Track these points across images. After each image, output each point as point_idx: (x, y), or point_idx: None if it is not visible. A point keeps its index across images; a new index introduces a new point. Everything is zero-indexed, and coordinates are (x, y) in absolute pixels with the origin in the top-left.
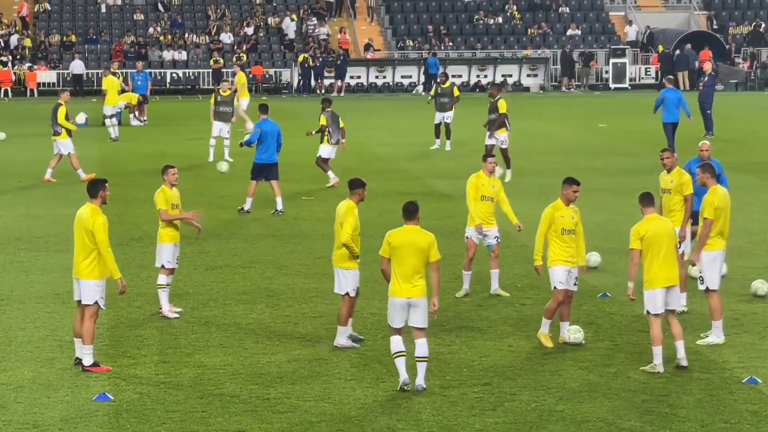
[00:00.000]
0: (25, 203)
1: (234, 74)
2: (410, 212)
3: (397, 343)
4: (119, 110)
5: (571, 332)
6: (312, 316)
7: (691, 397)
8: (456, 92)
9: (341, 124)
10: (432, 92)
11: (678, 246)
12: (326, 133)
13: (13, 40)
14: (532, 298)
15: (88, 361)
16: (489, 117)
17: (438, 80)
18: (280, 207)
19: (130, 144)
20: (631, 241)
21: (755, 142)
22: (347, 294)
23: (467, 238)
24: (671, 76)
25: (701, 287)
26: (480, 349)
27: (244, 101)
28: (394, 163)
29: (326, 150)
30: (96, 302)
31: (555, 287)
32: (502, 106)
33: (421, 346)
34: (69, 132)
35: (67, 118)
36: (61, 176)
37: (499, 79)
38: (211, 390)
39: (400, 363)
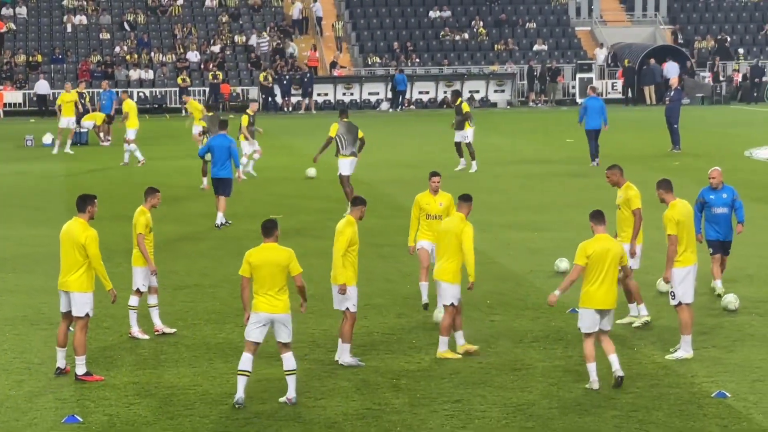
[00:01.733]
0: None
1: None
2: (268, 230)
3: (245, 361)
4: (86, 131)
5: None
6: None
7: (660, 412)
8: (465, 108)
9: (360, 135)
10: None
11: (629, 265)
12: (338, 145)
13: None
14: (502, 315)
15: (81, 370)
16: (456, 118)
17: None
18: (219, 221)
19: (96, 164)
20: (576, 255)
21: (721, 157)
22: (347, 309)
23: (418, 250)
24: (594, 86)
25: (672, 302)
26: (450, 366)
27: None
28: (361, 180)
29: (344, 165)
30: (87, 314)
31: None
32: (465, 107)
33: (288, 360)
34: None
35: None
36: (29, 197)
37: (466, 95)
38: (180, 411)
39: (240, 381)
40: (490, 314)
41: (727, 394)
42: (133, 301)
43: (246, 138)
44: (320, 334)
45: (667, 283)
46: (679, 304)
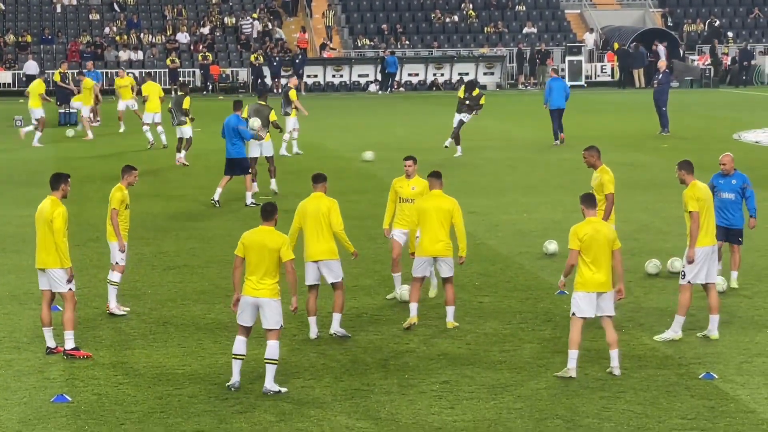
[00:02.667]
0: None
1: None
2: (267, 213)
3: (238, 344)
4: (74, 111)
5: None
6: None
7: (648, 393)
8: (482, 101)
9: (272, 117)
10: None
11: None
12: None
13: None
14: (490, 296)
15: (69, 345)
16: (469, 102)
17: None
18: (249, 200)
19: (86, 145)
20: (570, 240)
21: (710, 139)
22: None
23: (391, 238)
24: (555, 67)
25: (681, 281)
26: (438, 347)
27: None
28: (350, 162)
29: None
30: (69, 289)
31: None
32: (483, 100)
33: (270, 348)
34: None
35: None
36: (18, 177)
37: (455, 78)
38: (169, 390)
39: (235, 365)
40: (479, 295)
41: (715, 375)
42: (114, 276)
43: (296, 110)
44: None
45: (690, 263)
46: (688, 283)
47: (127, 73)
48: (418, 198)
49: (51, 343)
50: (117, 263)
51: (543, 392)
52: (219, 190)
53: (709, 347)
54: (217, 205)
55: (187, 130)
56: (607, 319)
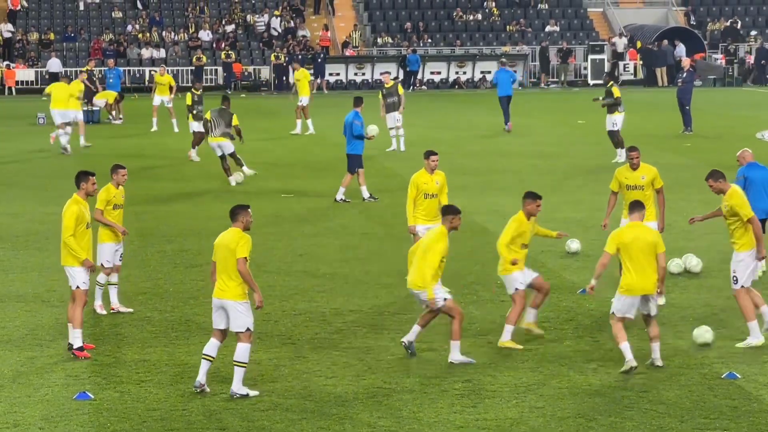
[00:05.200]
0: (4, 201)
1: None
2: (234, 214)
3: (210, 346)
4: (97, 109)
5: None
6: (292, 314)
7: (670, 393)
8: (616, 93)
9: (234, 122)
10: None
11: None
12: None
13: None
14: None
15: (76, 343)
16: (605, 100)
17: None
18: (365, 195)
19: (109, 142)
20: (608, 243)
21: (732, 138)
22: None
23: (416, 234)
24: (504, 59)
25: (735, 287)
26: (461, 346)
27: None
28: (375, 160)
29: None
30: (78, 287)
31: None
32: (616, 91)
33: (239, 350)
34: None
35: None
36: (41, 175)
37: (478, 76)
38: (191, 388)
39: (203, 365)
40: (501, 294)
41: (738, 375)
42: (100, 278)
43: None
44: (331, 313)
45: (761, 259)
46: (741, 287)
47: (168, 71)
48: (440, 193)
49: (72, 339)
50: (102, 264)
51: (565, 391)
52: (363, 187)
53: (731, 347)
54: (346, 201)
55: (195, 125)
56: (650, 318)
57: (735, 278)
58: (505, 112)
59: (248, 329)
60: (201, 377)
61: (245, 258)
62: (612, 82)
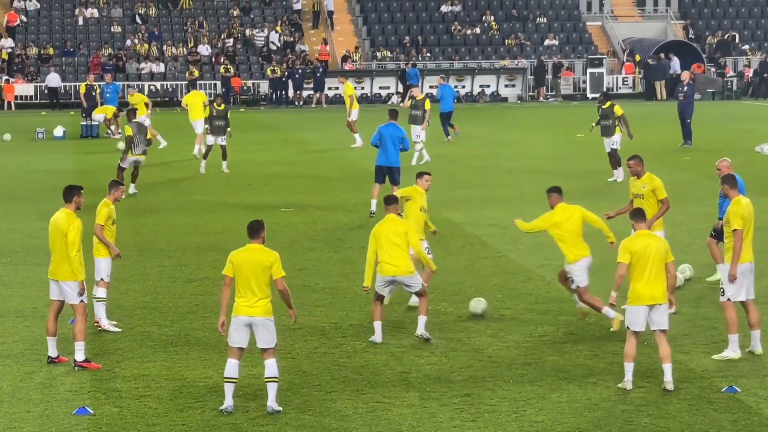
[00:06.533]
0: (3, 216)
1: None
2: (254, 230)
3: (231, 367)
4: (96, 123)
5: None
6: (292, 328)
7: (671, 407)
8: (618, 111)
9: (148, 135)
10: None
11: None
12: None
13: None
14: (512, 309)
15: (80, 356)
16: (602, 122)
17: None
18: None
19: (107, 157)
20: (620, 254)
21: (731, 152)
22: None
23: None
24: (443, 75)
25: (721, 299)
26: (459, 360)
27: None
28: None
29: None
30: (81, 301)
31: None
32: (618, 110)
33: (270, 367)
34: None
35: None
36: (40, 190)
37: (477, 90)
38: (191, 403)
39: (228, 389)
40: (500, 308)
41: (738, 389)
42: (100, 292)
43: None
44: (330, 327)
45: (732, 280)
46: (728, 300)
47: (138, 91)
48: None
49: (53, 352)
50: (102, 279)
51: (565, 405)
52: (374, 200)
53: (731, 360)
54: (374, 215)
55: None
56: (660, 333)
57: (723, 290)
58: (444, 125)
59: (276, 344)
60: (229, 401)
61: (284, 276)
62: (611, 102)
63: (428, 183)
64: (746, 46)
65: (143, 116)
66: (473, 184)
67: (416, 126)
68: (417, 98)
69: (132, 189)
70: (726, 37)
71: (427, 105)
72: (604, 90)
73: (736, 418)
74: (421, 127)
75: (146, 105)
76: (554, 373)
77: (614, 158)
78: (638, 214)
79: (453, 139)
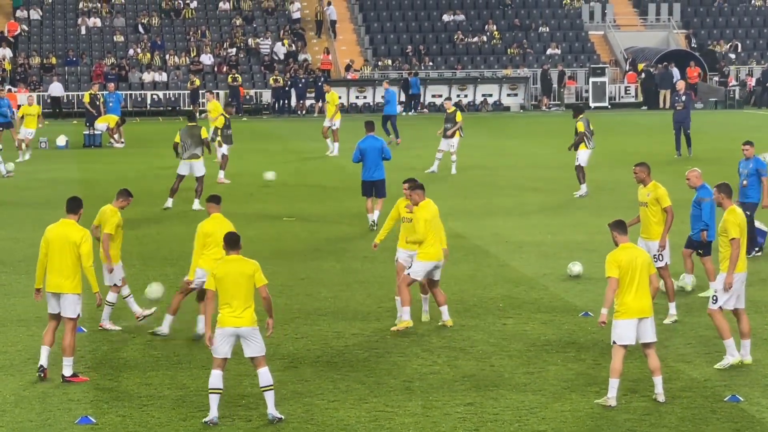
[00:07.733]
0: (5, 226)
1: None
2: (235, 242)
3: (215, 378)
4: (99, 133)
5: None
6: (294, 337)
7: (673, 416)
8: (580, 128)
9: (203, 135)
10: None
11: (660, 258)
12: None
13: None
14: (514, 318)
15: (68, 372)
16: (575, 139)
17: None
18: (372, 219)
19: (111, 167)
20: (607, 269)
21: (733, 160)
22: None
23: (396, 261)
24: (389, 80)
25: (712, 306)
26: (463, 369)
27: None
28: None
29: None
30: (78, 315)
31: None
32: (580, 126)
33: (264, 375)
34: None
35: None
36: (42, 199)
37: (479, 99)
38: (194, 412)
39: (213, 400)
40: (503, 317)
41: (740, 398)
42: (110, 297)
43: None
44: (332, 336)
45: (728, 289)
46: (719, 308)
47: (216, 99)
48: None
49: (44, 362)
50: (115, 285)
51: (567, 414)
52: (370, 215)
53: (734, 370)
54: (374, 228)
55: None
56: (649, 345)
57: (715, 297)
58: (394, 127)
59: (264, 352)
60: (214, 413)
61: (267, 284)
62: (580, 117)
63: (406, 192)
64: (732, 56)
65: (31, 131)
66: (475, 193)
67: (451, 139)
68: (448, 111)
69: (195, 204)
70: (729, 46)
71: (459, 117)
72: (575, 104)
73: (739, 427)
74: (456, 140)
75: (38, 117)
76: (557, 382)
77: (579, 173)
78: (620, 226)
79: (393, 143)
